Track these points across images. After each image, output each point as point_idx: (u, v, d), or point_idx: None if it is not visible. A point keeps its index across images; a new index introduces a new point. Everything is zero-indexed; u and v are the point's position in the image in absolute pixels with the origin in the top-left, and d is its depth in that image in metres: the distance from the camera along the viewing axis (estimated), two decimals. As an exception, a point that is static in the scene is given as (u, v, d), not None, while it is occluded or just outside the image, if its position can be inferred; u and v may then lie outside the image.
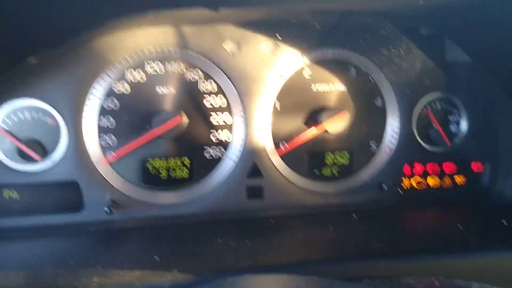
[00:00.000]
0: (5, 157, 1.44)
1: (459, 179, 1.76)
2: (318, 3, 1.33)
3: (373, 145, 1.68)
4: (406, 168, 1.70)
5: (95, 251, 1.35)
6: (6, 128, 1.44)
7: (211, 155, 1.58)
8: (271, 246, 1.35)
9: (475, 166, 1.76)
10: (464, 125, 1.73)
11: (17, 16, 1.12)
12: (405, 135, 1.67)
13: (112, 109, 1.48)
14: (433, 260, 1.24)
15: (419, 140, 1.70)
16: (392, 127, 1.67)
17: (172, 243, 1.37)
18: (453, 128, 1.73)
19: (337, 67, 1.62)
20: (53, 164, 1.46)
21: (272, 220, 1.52)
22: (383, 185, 1.66)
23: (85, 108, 1.46)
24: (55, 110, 1.44)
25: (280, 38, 1.55)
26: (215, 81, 1.55)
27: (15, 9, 1.09)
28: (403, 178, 1.70)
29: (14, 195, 1.47)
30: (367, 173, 1.68)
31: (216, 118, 1.57)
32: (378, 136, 1.68)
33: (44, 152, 1.45)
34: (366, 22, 1.50)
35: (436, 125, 1.70)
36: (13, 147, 1.44)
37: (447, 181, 1.75)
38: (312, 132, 1.59)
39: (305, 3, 1.34)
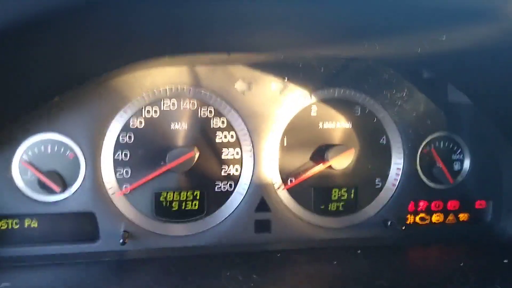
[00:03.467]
0: (26, 187, 1.52)
1: (462, 216, 1.80)
2: (323, 50, 1.41)
3: (378, 182, 1.73)
4: (411, 205, 1.74)
5: (108, 281, 1.41)
6: (27, 160, 1.52)
7: (221, 189, 1.64)
8: (276, 281, 1.40)
9: (478, 204, 1.80)
10: (467, 163, 1.77)
11: (45, 60, 1.21)
12: (409, 172, 1.72)
13: (128, 143, 1.56)
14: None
15: (423, 177, 1.75)
16: (397, 164, 1.73)
17: (181, 275, 1.42)
18: (456, 166, 1.78)
19: (342, 105, 1.69)
20: (71, 195, 1.53)
21: (278, 254, 1.57)
22: (388, 221, 1.70)
23: (104, 142, 1.53)
24: (75, 144, 1.52)
25: (288, 80, 1.63)
26: (226, 118, 1.62)
27: (44, 54, 1.17)
28: (407, 214, 1.74)
29: (34, 224, 1.54)
30: (372, 209, 1.73)
31: (226, 153, 1.64)
32: (383, 173, 1.73)
33: (63, 183, 1.52)
34: (369, 66, 1.57)
35: (439, 163, 1.75)
36: (34, 178, 1.52)
37: (450, 218, 1.79)
38: (319, 168, 1.65)
39: (309, 49, 1.43)
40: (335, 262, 1.50)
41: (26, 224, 1.53)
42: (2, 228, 1.52)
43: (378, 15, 1.03)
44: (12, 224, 1.53)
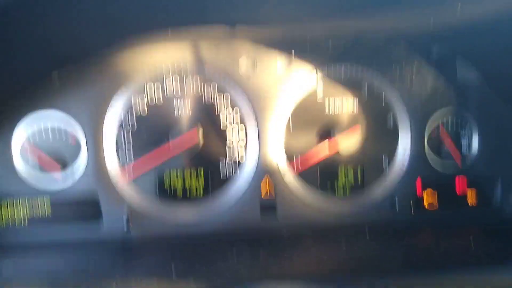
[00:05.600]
0: (28, 173, 1.48)
1: (470, 198, 1.76)
2: (332, 23, 1.36)
3: (385, 163, 1.69)
4: (418, 188, 1.71)
5: (113, 266, 1.37)
6: (28, 139, 1.48)
7: (226, 173, 1.60)
8: (284, 264, 1.36)
9: (487, 185, 1.76)
10: (475, 142, 1.74)
11: (41, 33, 1.16)
12: (417, 152, 1.69)
13: (131, 124, 1.52)
14: (446, 279, 1.24)
15: (431, 157, 1.71)
16: (404, 145, 1.69)
17: (187, 260, 1.39)
18: (464, 146, 1.74)
19: (350, 84, 1.65)
20: (73, 179, 1.49)
21: (285, 237, 1.53)
22: (395, 203, 1.67)
23: (105, 122, 1.49)
24: (76, 122, 1.48)
25: (295, 55, 1.58)
26: (230, 96, 1.58)
27: (39, 26, 1.13)
28: (415, 196, 1.71)
29: (36, 211, 1.50)
30: (379, 191, 1.69)
31: (231, 133, 1.59)
32: (390, 154, 1.69)
33: (64, 162, 1.48)
34: (379, 42, 1.53)
35: (448, 143, 1.71)
36: (35, 164, 1.48)
37: (459, 199, 1.75)
38: (324, 147, 1.61)
39: (319, 22, 1.37)
40: (344, 245, 1.46)
41: (28, 212, 1.50)
42: (5, 216, 1.49)
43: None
44: (14, 211, 1.49)
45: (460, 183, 1.74)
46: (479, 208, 1.76)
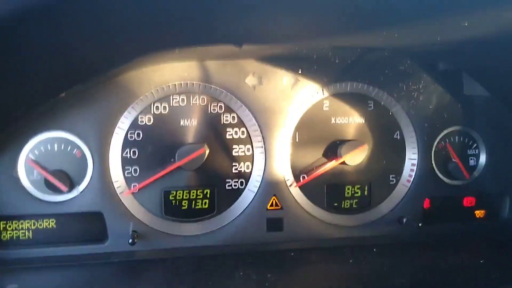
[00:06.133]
0: (32, 187, 1.48)
1: (478, 213, 1.75)
2: (339, 40, 1.37)
3: (392, 178, 1.69)
4: (426, 202, 1.70)
5: (117, 282, 1.37)
6: (33, 158, 1.48)
7: (232, 187, 1.60)
8: (292, 280, 1.36)
9: (494, 199, 1.76)
10: (483, 158, 1.74)
11: (49, 53, 1.17)
12: (424, 168, 1.68)
13: (137, 140, 1.52)
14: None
15: (438, 173, 1.71)
16: (411, 160, 1.68)
17: (193, 275, 1.38)
18: (472, 161, 1.74)
19: (355, 100, 1.65)
20: (78, 194, 1.49)
21: (292, 253, 1.52)
22: (403, 218, 1.66)
23: (112, 140, 1.49)
24: (82, 142, 1.48)
25: (302, 72, 1.59)
26: (236, 114, 1.58)
27: (47, 47, 1.13)
28: (422, 211, 1.70)
29: (41, 225, 1.50)
30: (386, 206, 1.69)
31: (237, 150, 1.60)
32: (397, 169, 1.69)
33: (70, 183, 1.48)
34: (385, 58, 1.54)
35: (455, 158, 1.70)
36: (41, 178, 1.47)
37: (466, 214, 1.74)
38: (331, 165, 1.61)
39: (325, 39, 1.39)
40: (351, 261, 1.45)
41: (33, 226, 1.49)
42: (9, 229, 1.48)
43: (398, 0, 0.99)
44: (19, 225, 1.48)
45: (468, 198, 1.74)
46: (487, 222, 1.76)
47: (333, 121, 1.64)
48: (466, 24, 1.07)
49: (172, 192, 1.56)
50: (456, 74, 1.66)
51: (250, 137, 1.60)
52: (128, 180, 1.52)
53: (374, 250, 1.55)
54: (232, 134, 1.59)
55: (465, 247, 1.62)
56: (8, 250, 1.47)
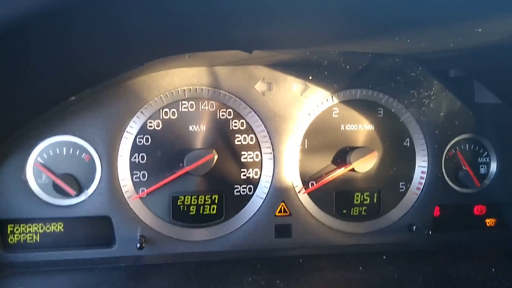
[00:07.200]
0: (40, 191, 1.48)
1: (489, 221, 1.73)
2: (350, 46, 1.36)
3: (402, 186, 1.68)
4: (436, 210, 1.68)
5: (125, 285, 1.36)
6: (42, 162, 1.48)
7: (240, 193, 1.59)
8: (301, 286, 1.34)
9: (505, 208, 1.74)
10: (493, 166, 1.72)
11: (58, 58, 1.17)
12: (434, 175, 1.67)
13: (145, 145, 1.52)
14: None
15: (448, 181, 1.69)
16: (421, 167, 1.67)
17: (201, 281, 1.37)
18: (482, 169, 1.72)
19: (365, 107, 1.64)
20: (86, 198, 1.49)
21: (300, 260, 1.51)
22: (413, 226, 1.64)
23: (121, 145, 1.49)
24: (90, 146, 1.48)
25: (312, 79, 1.58)
26: (245, 120, 1.58)
27: (56, 52, 1.14)
28: (432, 219, 1.68)
29: (48, 228, 1.50)
30: (395, 214, 1.67)
31: (245, 156, 1.59)
32: (407, 176, 1.68)
33: (78, 187, 1.48)
34: (396, 64, 1.53)
35: (465, 166, 1.69)
36: (49, 181, 1.48)
37: (477, 223, 1.72)
38: (341, 172, 1.60)
39: (336, 45, 1.38)
40: (361, 268, 1.44)
41: (40, 229, 1.49)
42: (17, 232, 1.48)
43: (412, 6, 0.98)
44: (26, 228, 1.48)
45: (478, 206, 1.72)
46: (497, 231, 1.73)
47: (342, 128, 1.64)
48: (479, 30, 1.06)
49: (180, 197, 1.55)
50: (467, 81, 1.65)
51: (259, 143, 1.59)
52: (136, 185, 1.52)
53: (384, 257, 1.54)
54: (240, 140, 1.58)
55: (476, 255, 1.60)
56: (16, 254, 1.47)
